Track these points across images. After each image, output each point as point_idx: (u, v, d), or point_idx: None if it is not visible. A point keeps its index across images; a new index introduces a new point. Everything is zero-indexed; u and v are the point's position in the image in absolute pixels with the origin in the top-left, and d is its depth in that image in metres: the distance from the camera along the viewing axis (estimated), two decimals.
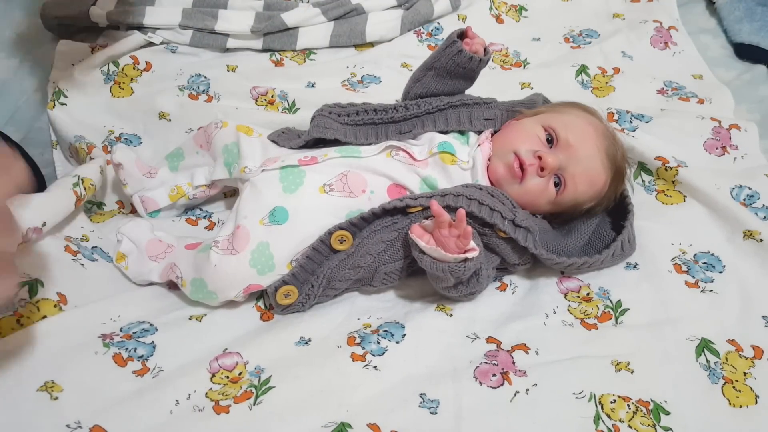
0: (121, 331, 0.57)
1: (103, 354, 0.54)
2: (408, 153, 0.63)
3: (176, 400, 0.52)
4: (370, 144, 0.65)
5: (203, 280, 0.58)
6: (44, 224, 0.58)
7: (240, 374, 0.55)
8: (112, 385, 0.52)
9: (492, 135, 0.66)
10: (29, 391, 0.49)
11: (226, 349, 0.56)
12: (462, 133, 0.67)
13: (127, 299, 0.61)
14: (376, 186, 0.61)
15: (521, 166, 0.61)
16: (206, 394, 0.53)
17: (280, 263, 0.59)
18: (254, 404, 0.52)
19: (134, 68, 0.80)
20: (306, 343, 0.58)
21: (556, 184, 0.62)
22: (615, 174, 0.64)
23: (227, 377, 0.54)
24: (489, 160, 0.63)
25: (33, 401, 0.49)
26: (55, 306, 0.55)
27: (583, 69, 0.88)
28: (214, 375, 0.55)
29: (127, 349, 0.55)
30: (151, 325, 0.58)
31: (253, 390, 0.53)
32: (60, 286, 0.57)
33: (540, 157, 0.60)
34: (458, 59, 0.65)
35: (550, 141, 0.63)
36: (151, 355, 0.55)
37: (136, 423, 0.50)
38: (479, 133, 0.67)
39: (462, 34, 0.67)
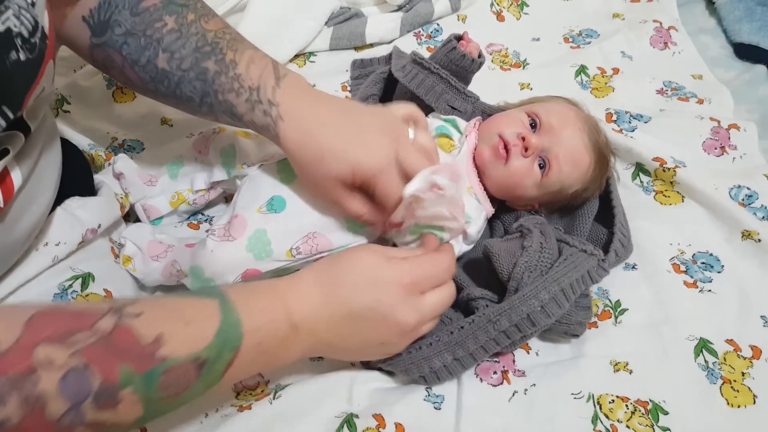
0: None
1: None
2: None
3: (205, 413, 0.54)
4: None
5: (200, 267, 0.58)
6: (99, 226, 0.61)
7: (262, 391, 0.57)
8: None
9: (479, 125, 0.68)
10: None
11: None
12: (448, 120, 0.68)
13: None
14: None
15: (506, 147, 0.62)
16: (231, 404, 0.55)
17: (279, 250, 0.59)
18: (274, 399, 0.54)
19: None
20: (320, 357, 0.59)
21: (541, 167, 0.63)
22: (598, 157, 0.66)
23: (251, 394, 0.56)
24: (475, 148, 0.65)
25: None
26: (104, 300, 0.58)
27: (582, 69, 0.88)
28: (239, 393, 0.57)
29: None
30: None
31: (273, 389, 0.56)
32: (106, 283, 0.60)
33: (524, 138, 0.62)
34: (452, 55, 0.69)
35: (534, 126, 0.65)
36: None
37: (170, 427, 0.53)
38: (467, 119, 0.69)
39: (460, 38, 0.70)
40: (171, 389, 0.41)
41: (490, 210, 0.66)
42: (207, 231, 0.60)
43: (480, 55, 0.71)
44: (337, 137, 0.54)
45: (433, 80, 0.69)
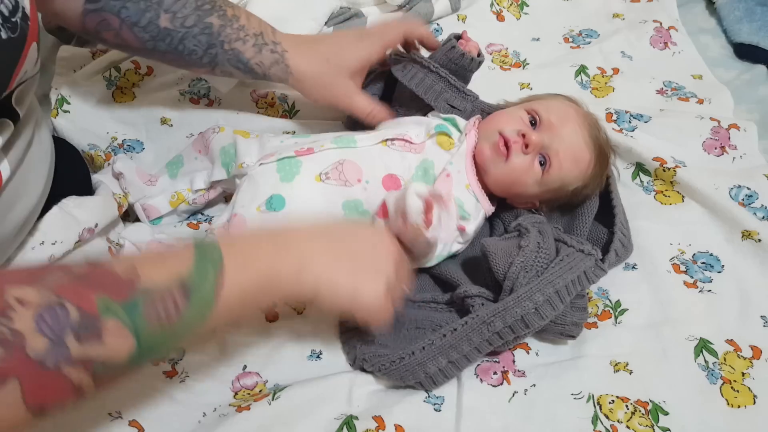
0: None
1: None
2: (404, 140, 0.64)
3: (204, 413, 0.54)
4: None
5: None
6: (96, 225, 0.62)
7: (260, 391, 0.57)
8: (147, 383, 0.54)
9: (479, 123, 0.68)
10: None
11: (246, 366, 0.58)
12: (448, 119, 0.69)
13: None
14: (371, 176, 0.62)
15: (506, 144, 0.62)
16: (230, 404, 0.55)
17: None
18: (273, 399, 0.54)
19: (136, 73, 0.81)
20: (318, 356, 0.59)
21: (542, 164, 0.63)
22: (599, 154, 0.66)
23: (249, 394, 0.57)
24: (475, 147, 0.65)
25: None
26: None
27: (582, 69, 0.88)
28: (236, 393, 0.57)
29: None
30: None
31: (272, 390, 0.55)
32: None
33: (524, 135, 0.62)
34: (451, 55, 0.69)
35: (534, 123, 0.65)
36: (181, 359, 0.57)
37: (168, 427, 0.53)
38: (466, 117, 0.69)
39: (459, 37, 0.70)
40: (160, 317, 0.39)
41: (489, 209, 0.66)
42: (206, 231, 0.60)
43: (479, 54, 0.71)
44: (338, 39, 0.67)
45: (432, 79, 0.69)
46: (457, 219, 0.61)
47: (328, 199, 0.61)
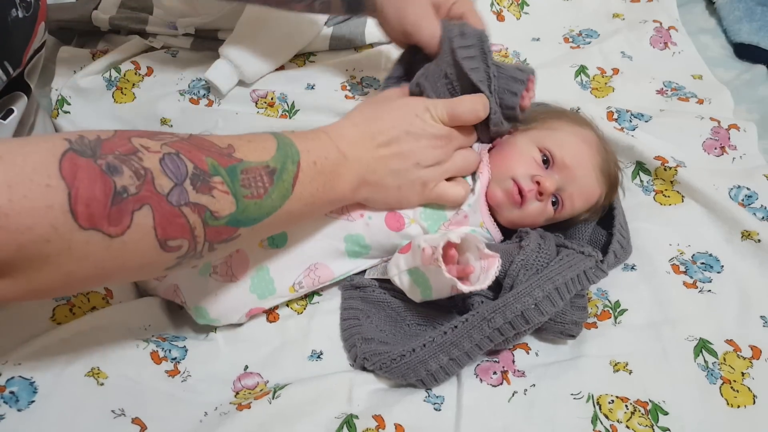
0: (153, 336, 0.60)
1: (143, 348, 0.56)
2: None
3: (205, 412, 0.55)
4: None
5: (204, 308, 0.59)
6: None
7: (261, 390, 0.57)
8: (149, 381, 0.55)
9: (488, 152, 0.66)
10: (78, 375, 0.52)
11: (247, 367, 0.59)
12: None
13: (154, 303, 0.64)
14: (374, 212, 0.61)
15: (520, 192, 0.61)
16: (230, 402, 0.56)
17: (282, 287, 0.60)
18: (273, 398, 0.54)
19: (135, 74, 0.81)
20: (319, 356, 0.60)
21: (554, 203, 0.63)
22: (609, 188, 0.66)
23: (250, 393, 0.57)
24: (488, 185, 0.63)
25: (81, 385, 0.52)
26: (103, 299, 0.59)
27: (582, 69, 0.88)
28: (237, 393, 0.57)
29: (163, 348, 0.57)
30: (176, 337, 0.60)
31: (272, 389, 0.56)
32: None
33: (538, 182, 0.61)
34: (505, 94, 0.63)
35: (546, 161, 0.63)
36: (183, 359, 0.58)
37: (170, 425, 0.53)
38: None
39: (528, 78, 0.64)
40: (252, 189, 0.45)
41: (500, 240, 0.65)
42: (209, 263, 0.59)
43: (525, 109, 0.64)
44: None
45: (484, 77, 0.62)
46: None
47: (330, 233, 0.60)
